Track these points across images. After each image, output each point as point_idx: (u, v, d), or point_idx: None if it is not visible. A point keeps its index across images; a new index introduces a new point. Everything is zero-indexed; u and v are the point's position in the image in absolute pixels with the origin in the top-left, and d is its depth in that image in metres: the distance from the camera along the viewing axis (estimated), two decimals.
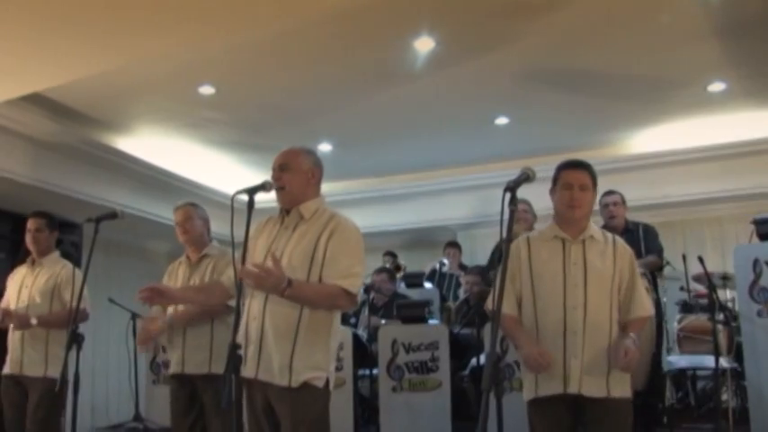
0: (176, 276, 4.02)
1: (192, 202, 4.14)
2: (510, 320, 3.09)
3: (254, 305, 2.90)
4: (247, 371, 2.84)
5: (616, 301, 3.06)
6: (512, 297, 3.12)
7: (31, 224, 4.59)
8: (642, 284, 3.17)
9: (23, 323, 4.34)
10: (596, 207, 5.36)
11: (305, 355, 2.80)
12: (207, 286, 3.66)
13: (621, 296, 3.07)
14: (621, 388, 2.99)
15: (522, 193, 2.49)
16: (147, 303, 3.25)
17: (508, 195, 2.38)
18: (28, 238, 4.57)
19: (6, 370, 4.45)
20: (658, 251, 5.48)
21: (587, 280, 3.02)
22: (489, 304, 3.15)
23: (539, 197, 3.91)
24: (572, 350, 2.96)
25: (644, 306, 3.10)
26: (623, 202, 5.52)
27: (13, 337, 4.44)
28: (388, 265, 7.69)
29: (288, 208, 3.02)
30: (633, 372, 3.04)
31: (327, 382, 2.87)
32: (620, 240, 3.20)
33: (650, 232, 5.51)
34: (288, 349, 2.80)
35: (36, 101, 6.34)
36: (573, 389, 2.94)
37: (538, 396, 3.02)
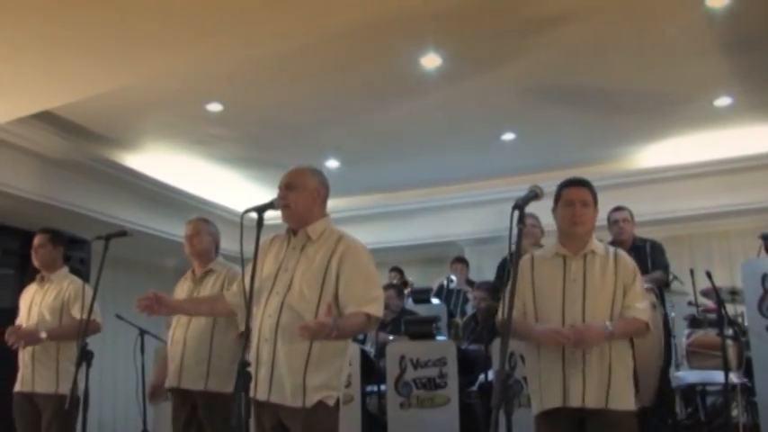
0: (182, 291, 4.05)
1: (204, 218, 4.19)
2: (519, 322, 3.14)
3: (265, 326, 2.90)
4: (259, 393, 2.85)
5: (619, 313, 3.09)
6: (520, 310, 3.19)
7: (35, 240, 4.62)
8: (641, 291, 3.16)
9: (34, 338, 4.34)
10: (601, 223, 5.41)
11: (318, 375, 2.81)
12: (209, 298, 3.68)
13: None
14: (623, 401, 3.00)
15: (529, 208, 2.50)
16: (146, 313, 3.22)
17: (516, 213, 2.39)
18: (32, 255, 4.60)
19: (17, 387, 4.44)
20: (664, 267, 5.47)
21: (586, 296, 3.07)
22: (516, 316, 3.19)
23: (546, 212, 3.93)
24: (571, 364, 3.02)
25: (638, 308, 3.09)
26: (632, 218, 5.52)
27: (24, 354, 4.43)
28: (395, 281, 7.68)
29: (294, 227, 3.04)
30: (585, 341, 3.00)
31: (338, 400, 2.87)
32: (622, 253, 3.23)
33: (657, 249, 5.52)
34: (300, 371, 2.80)
35: (45, 118, 6.39)
36: (574, 402, 2.99)
37: (543, 410, 3.08)
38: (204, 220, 4.14)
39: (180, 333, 3.88)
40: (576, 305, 3.06)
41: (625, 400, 3.02)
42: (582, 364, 3.00)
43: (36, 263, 4.59)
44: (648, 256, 5.36)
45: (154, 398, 4.34)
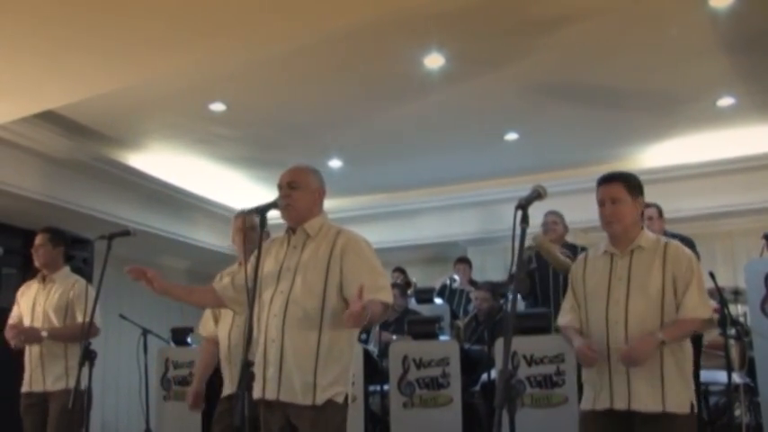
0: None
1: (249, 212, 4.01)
2: (566, 328, 3.16)
3: (271, 326, 2.89)
4: (268, 393, 2.84)
5: (673, 311, 2.98)
6: (570, 313, 3.21)
7: (35, 240, 4.60)
8: (697, 284, 3.02)
9: (35, 337, 4.34)
10: None
11: (328, 373, 2.81)
12: (199, 289, 3.50)
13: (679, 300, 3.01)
14: (677, 402, 2.91)
15: (542, 206, 2.49)
16: (132, 277, 3.08)
17: (519, 213, 2.38)
18: (33, 254, 4.59)
19: (26, 388, 4.42)
20: None
21: (629, 294, 3.01)
22: (565, 321, 3.25)
23: (571, 209, 3.87)
24: (616, 366, 2.96)
25: (689, 306, 2.96)
26: (659, 214, 5.34)
27: (32, 354, 4.42)
28: (398, 281, 7.69)
29: (293, 225, 3.04)
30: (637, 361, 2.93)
31: (347, 397, 2.87)
32: (673, 245, 3.11)
33: (687, 244, 5.37)
34: (310, 368, 2.80)
35: (49, 118, 6.40)
36: (620, 405, 2.94)
37: (594, 409, 3.04)
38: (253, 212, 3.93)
39: (236, 335, 3.61)
40: (620, 305, 3.00)
41: (680, 401, 2.91)
42: (626, 367, 2.93)
43: (37, 263, 4.58)
44: None
45: (196, 404, 3.98)
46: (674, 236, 5.40)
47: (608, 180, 3.13)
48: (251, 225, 3.77)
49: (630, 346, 2.91)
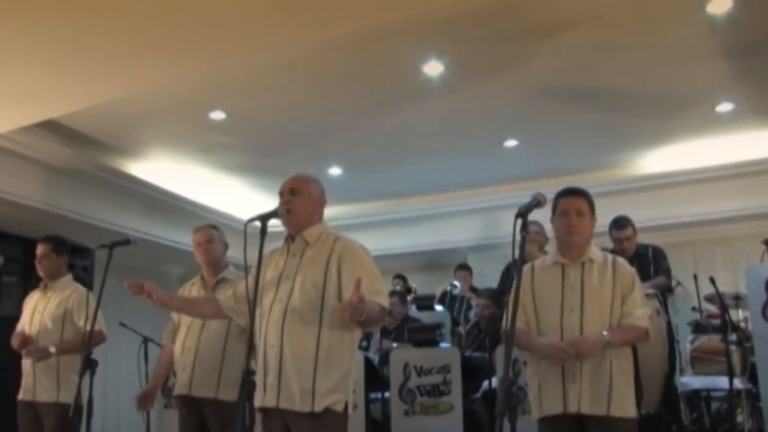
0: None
1: (214, 225, 4.17)
2: (521, 333, 3.16)
3: (270, 333, 2.90)
4: (267, 400, 2.85)
5: (618, 321, 3.09)
6: (522, 318, 3.22)
7: (37, 250, 4.60)
8: (640, 298, 3.16)
9: (43, 354, 4.34)
10: (602, 230, 5.41)
11: (326, 378, 2.81)
12: (200, 300, 3.69)
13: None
14: (623, 408, 3.01)
15: (541, 214, 2.52)
16: (133, 292, 3.22)
17: (519, 221, 2.39)
18: (36, 265, 4.59)
19: (21, 396, 4.44)
20: (665, 272, 5.45)
21: (584, 303, 3.09)
22: (520, 324, 3.24)
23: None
24: (570, 372, 3.03)
25: (634, 315, 3.09)
26: (634, 231, 5.47)
27: (26, 362, 4.44)
28: (398, 288, 7.68)
29: (293, 233, 3.06)
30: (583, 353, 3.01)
31: (346, 405, 2.87)
32: (620, 261, 3.25)
33: (658, 254, 5.50)
34: (309, 374, 2.80)
35: (49, 127, 6.41)
36: (572, 408, 3.01)
37: (543, 415, 3.11)
38: (214, 227, 4.13)
39: (192, 341, 3.84)
40: (574, 313, 3.08)
41: (626, 407, 3.02)
42: (580, 371, 3.01)
43: (40, 273, 4.58)
44: (651, 262, 5.35)
45: (143, 403, 4.26)
46: (646, 247, 5.50)
47: (575, 193, 3.24)
48: (208, 239, 4.02)
49: (583, 336, 3.00)
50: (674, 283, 5.66)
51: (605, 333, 3.00)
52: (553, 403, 3.06)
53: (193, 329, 3.86)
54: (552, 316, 3.13)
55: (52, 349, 4.32)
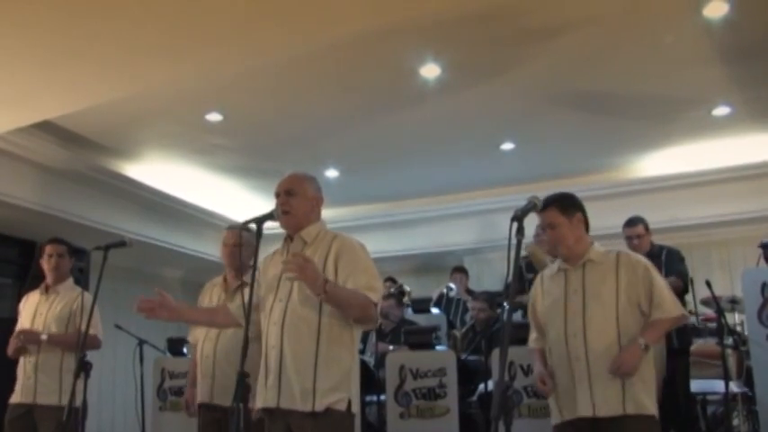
0: (210, 298, 4.03)
1: (247, 226, 4.04)
2: (531, 351, 3.29)
3: (271, 333, 2.91)
4: (268, 401, 2.85)
5: (629, 318, 3.09)
6: (534, 332, 3.38)
7: (52, 249, 4.57)
8: (659, 285, 3.13)
9: (34, 339, 4.31)
10: (615, 231, 5.36)
11: (327, 377, 2.80)
12: (214, 309, 3.67)
13: (644, 306, 3.11)
14: (638, 405, 3.00)
15: (537, 217, 2.53)
16: (144, 315, 3.09)
17: (515, 225, 2.39)
18: (50, 264, 4.53)
19: (16, 399, 4.38)
20: (677, 273, 5.13)
21: (586, 306, 3.11)
22: (531, 343, 3.41)
23: None
24: (579, 376, 3.05)
25: (662, 308, 3.08)
26: (646, 230, 5.34)
27: (26, 364, 4.39)
28: (392, 290, 7.67)
29: (291, 233, 3.07)
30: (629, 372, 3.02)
31: (350, 404, 2.85)
32: (624, 254, 3.24)
33: (673, 256, 5.29)
34: (309, 373, 2.79)
35: (45, 128, 6.39)
36: (584, 412, 3.01)
37: (562, 420, 3.14)
38: (246, 229, 3.96)
39: (209, 347, 3.82)
40: (577, 318, 3.10)
41: (642, 403, 3.01)
42: (588, 376, 3.02)
43: (51, 272, 4.53)
44: (663, 264, 5.13)
45: (190, 410, 4.16)
46: (661, 248, 5.45)
47: (543, 207, 3.22)
48: (235, 242, 3.91)
49: (620, 358, 2.99)
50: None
51: (641, 340, 3.00)
52: (567, 409, 3.09)
53: (210, 335, 3.85)
54: (557, 323, 3.17)
55: (44, 336, 4.30)
